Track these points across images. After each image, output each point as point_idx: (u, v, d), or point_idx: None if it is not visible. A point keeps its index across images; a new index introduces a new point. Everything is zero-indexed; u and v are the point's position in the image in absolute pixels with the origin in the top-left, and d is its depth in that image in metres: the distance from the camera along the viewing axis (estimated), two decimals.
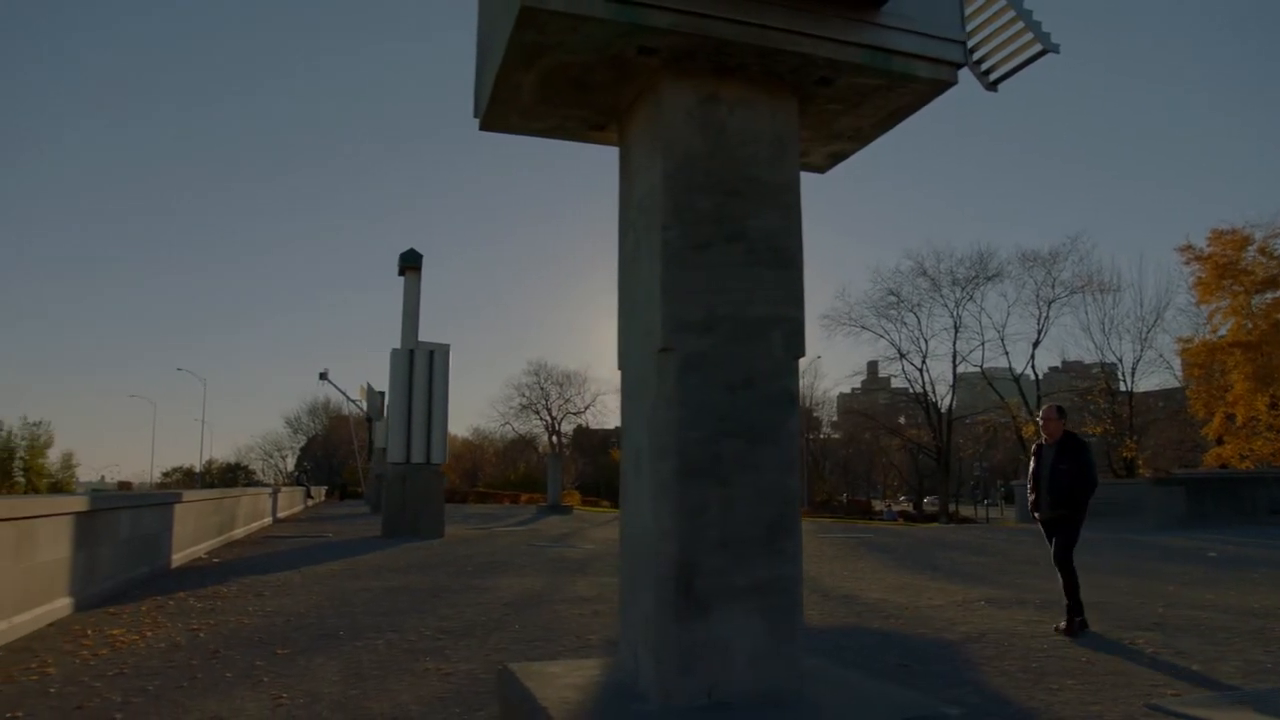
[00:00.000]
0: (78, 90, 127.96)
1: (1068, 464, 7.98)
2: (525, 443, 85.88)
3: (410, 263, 21.00)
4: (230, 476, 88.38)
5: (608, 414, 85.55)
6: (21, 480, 52.53)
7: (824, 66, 3.84)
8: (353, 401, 58.29)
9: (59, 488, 53.65)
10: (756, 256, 3.80)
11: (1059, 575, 7.95)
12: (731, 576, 3.57)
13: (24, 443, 54.31)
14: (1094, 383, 48.42)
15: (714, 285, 3.72)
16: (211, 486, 61.29)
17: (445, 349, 20.86)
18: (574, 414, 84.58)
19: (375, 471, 41.58)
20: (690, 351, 3.64)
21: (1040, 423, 8.49)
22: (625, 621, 3.99)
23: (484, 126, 4.36)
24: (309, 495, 46.05)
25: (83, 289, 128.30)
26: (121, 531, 10.41)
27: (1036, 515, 8.26)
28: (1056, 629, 7.80)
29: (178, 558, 13.61)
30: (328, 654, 6.82)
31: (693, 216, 3.73)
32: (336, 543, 18.89)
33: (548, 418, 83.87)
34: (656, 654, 3.55)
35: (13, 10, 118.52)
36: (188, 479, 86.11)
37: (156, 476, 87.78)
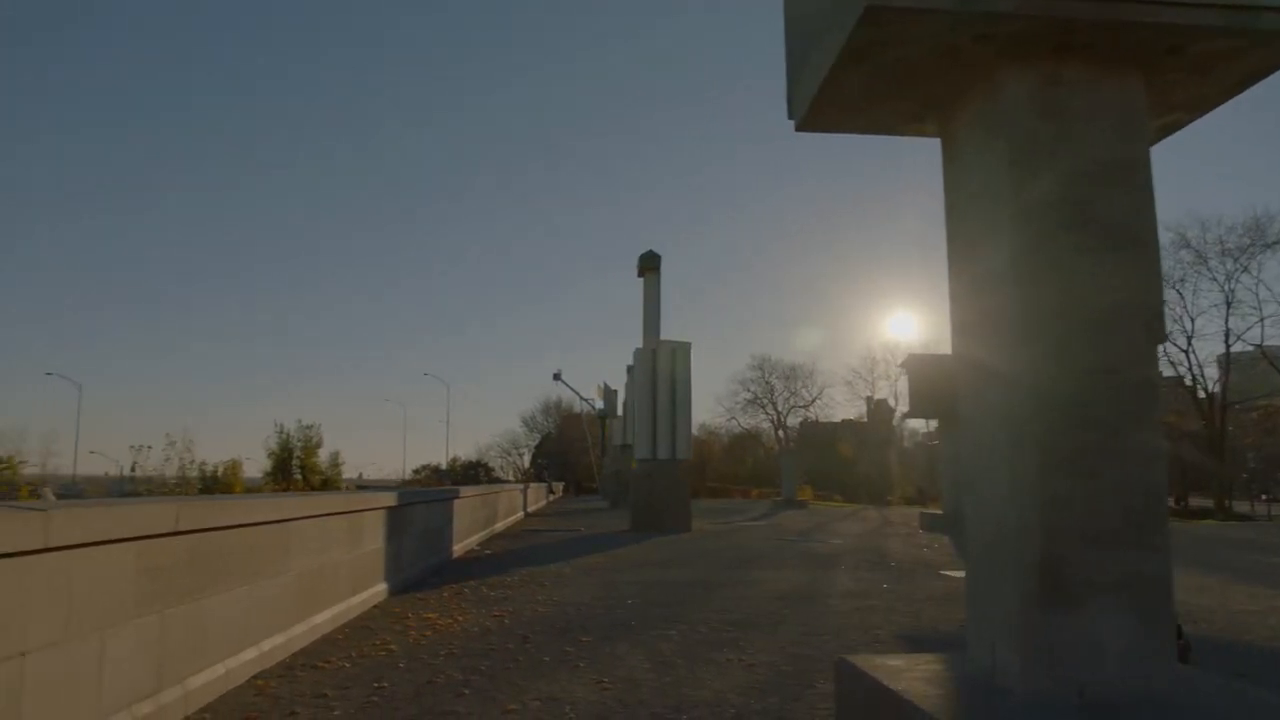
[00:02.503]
0: (325, 101, 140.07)
1: None
2: (751, 437, 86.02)
3: (649, 264, 21.59)
4: (471, 474, 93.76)
5: (835, 407, 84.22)
6: (299, 478, 57.71)
7: (1176, 35, 3.61)
8: (585, 400, 60.60)
9: (329, 484, 58.58)
10: (1108, 240, 3.63)
11: None
12: (1099, 571, 3.44)
13: (299, 443, 59.51)
14: None
15: (1066, 272, 3.59)
16: (456, 484, 65.39)
17: (686, 346, 21.29)
18: (800, 407, 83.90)
19: (611, 468, 42.97)
20: (1044, 342, 3.53)
21: None
22: (977, 616, 3.92)
23: (802, 127, 4.40)
24: (550, 491, 48.31)
25: (337, 298, 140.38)
26: (417, 525, 11.35)
27: None
28: None
29: (457, 549, 14.66)
30: (629, 643, 7.13)
31: (1039, 203, 3.61)
32: (590, 537, 19.69)
33: (773, 412, 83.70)
34: (1022, 649, 3.47)
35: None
36: (435, 476, 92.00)
37: (407, 474, 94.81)
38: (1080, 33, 3.57)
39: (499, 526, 21.16)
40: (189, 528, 4.83)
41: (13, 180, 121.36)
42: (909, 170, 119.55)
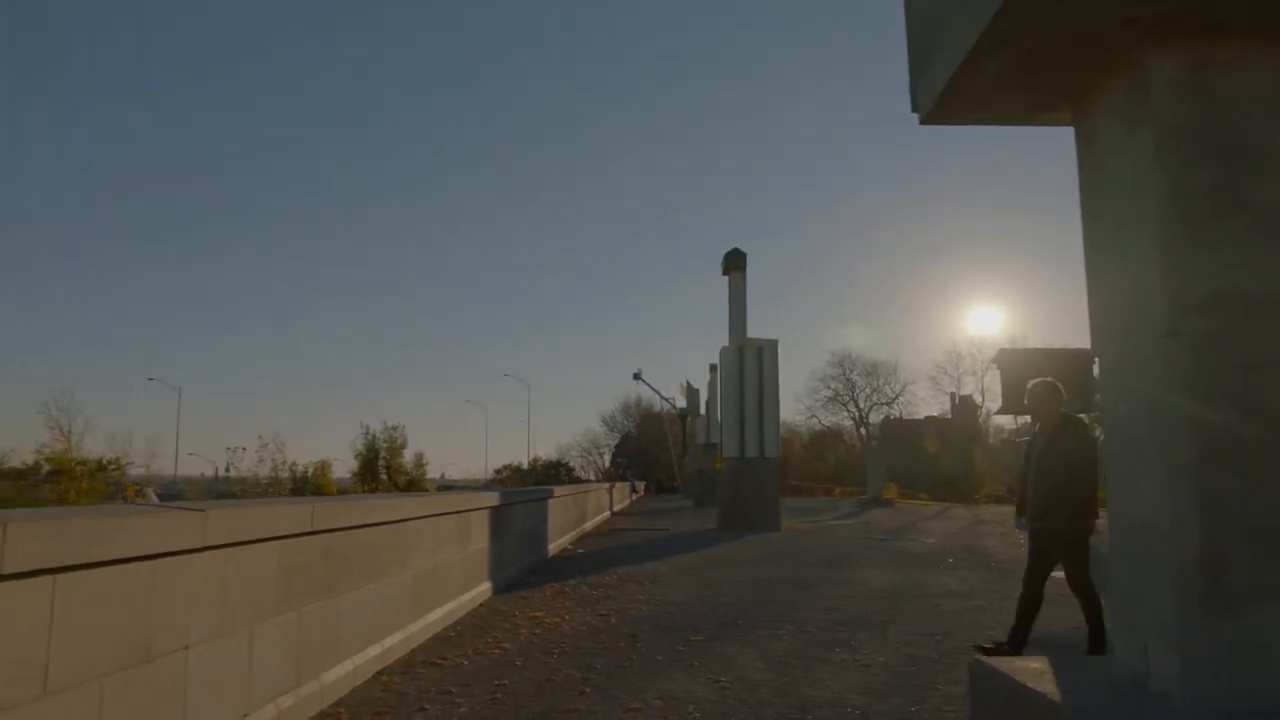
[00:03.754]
0: (407, 102, 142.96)
1: (1058, 458, 6.31)
2: (832, 435, 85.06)
3: (735, 262, 21.52)
4: (552, 473, 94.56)
5: (918, 404, 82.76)
6: (385, 478, 59.08)
7: None
8: (666, 399, 60.69)
9: (414, 485, 59.90)
10: (1264, 227, 3.49)
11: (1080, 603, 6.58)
12: (1263, 573, 3.31)
13: (385, 444, 60.83)
14: None
15: (1219, 262, 3.46)
16: (539, 484, 66.09)
17: (773, 344, 21.17)
18: (882, 404, 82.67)
19: (694, 466, 42.94)
20: (1199, 334, 3.41)
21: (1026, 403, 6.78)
22: (1126, 618, 3.81)
23: (928, 120, 4.34)
24: (634, 490, 48.54)
25: (420, 299, 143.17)
26: (517, 525, 11.51)
27: (1024, 525, 6.69)
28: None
29: (552, 548, 14.83)
30: (739, 642, 7.12)
31: (1189, 192, 3.49)
32: (679, 536, 19.70)
33: (854, 410, 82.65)
34: (1181, 652, 3.36)
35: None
36: (516, 476, 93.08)
37: (489, 474, 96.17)
38: (1231, 12, 3.45)
39: (588, 526, 21.33)
40: (322, 528, 4.99)
41: (112, 193, 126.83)
42: (992, 161, 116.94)
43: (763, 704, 5.24)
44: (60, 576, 2.92)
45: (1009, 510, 31.96)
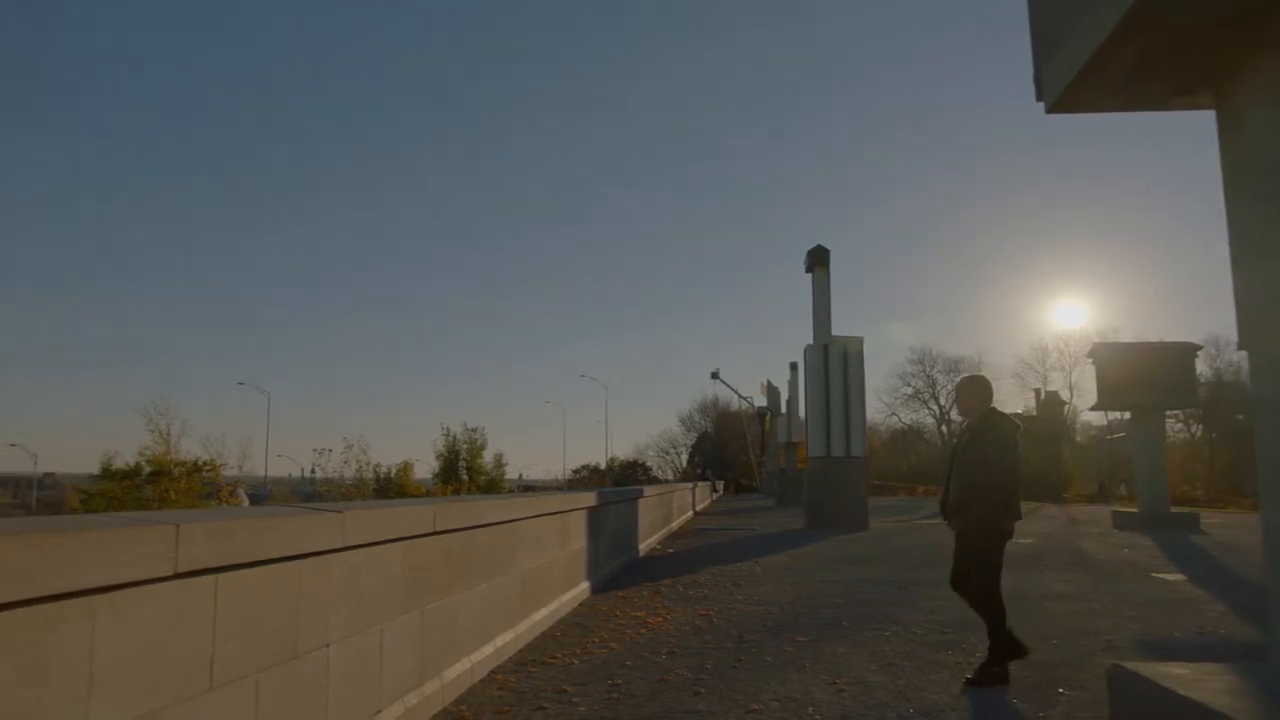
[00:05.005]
0: (489, 101, 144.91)
1: (976, 453, 5.90)
2: (913, 433, 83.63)
3: (819, 259, 21.27)
4: (630, 473, 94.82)
5: (1001, 401, 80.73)
6: (465, 478, 59.95)
7: None
8: (744, 399, 60.37)
9: (494, 485, 60.71)
10: None
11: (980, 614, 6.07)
12: None
13: (465, 445, 61.77)
14: None
15: None
16: (617, 484, 66.35)
17: (859, 342, 20.89)
18: None
19: (776, 465, 42.65)
20: None
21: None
22: None
23: (1055, 109, 4.22)
24: (714, 489, 48.43)
25: (498, 299, 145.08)
26: (611, 524, 11.56)
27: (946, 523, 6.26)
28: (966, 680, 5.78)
29: (642, 548, 14.87)
30: (847, 643, 7.03)
31: None
32: (766, 535, 19.57)
33: (935, 407, 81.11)
34: None
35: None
36: (594, 476, 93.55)
37: (567, 474, 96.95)
38: None
39: (674, 525, 21.34)
40: (443, 528, 5.07)
41: (202, 198, 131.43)
42: (1076, 149, 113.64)
43: (882, 706, 5.16)
44: (221, 576, 3.02)
45: (1103, 511, 30.99)
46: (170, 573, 2.73)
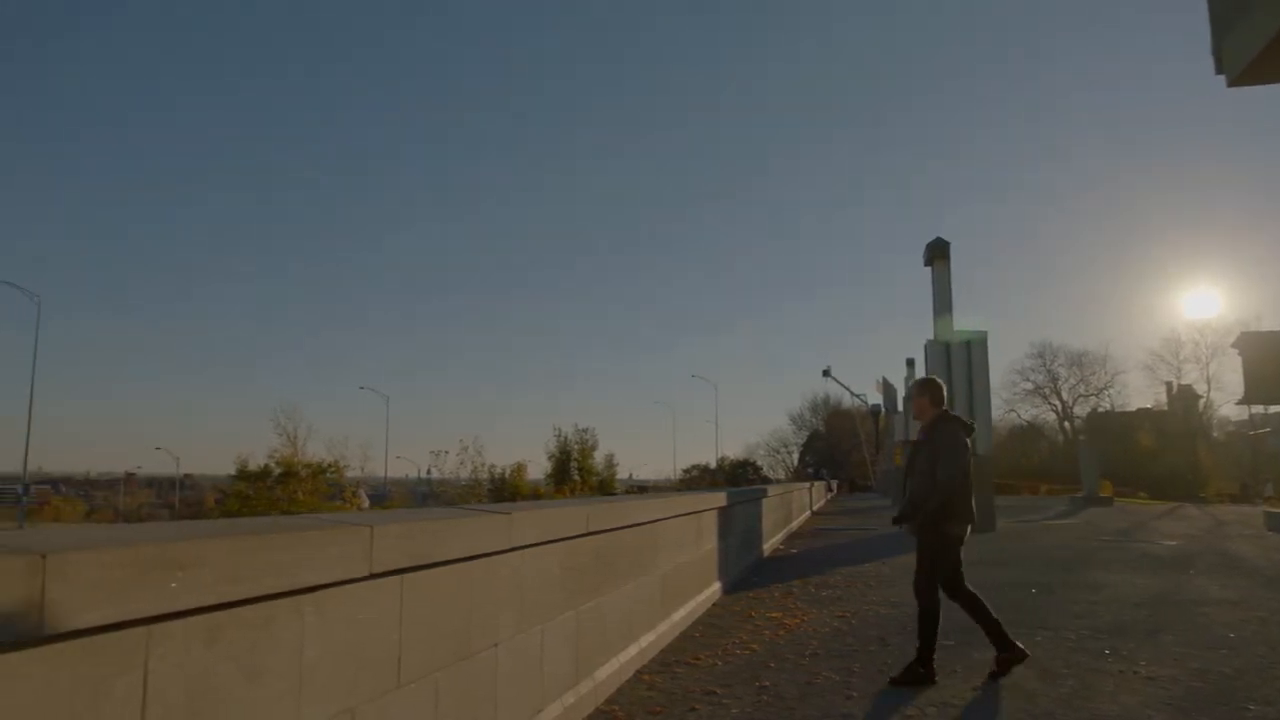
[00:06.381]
0: (594, 101, 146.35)
1: (929, 458, 5.88)
2: (1033, 430, 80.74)
3: (939, 251, 20.64)
4: (740, 472, 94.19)
5: (1130, 394, 77.34)
6: (576, 479, 60.73)
7: None
8: (856, 396, 59.34)
9: (605, 486, 61.32)
10: None
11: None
12: None
13: (576, 446, 62.63)
14: None
15: None
16: (731, 484, 66.06)
17: (982, 336, 20.18)
18: (1088, 396, 77.75)
19: (890, 464, 41.79)
20: None
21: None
22: None
23: (1238, 82, 3.99)
24: (829, 489, 47.79)
25: (610, 301, 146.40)
26: (739, 524, 11.50)
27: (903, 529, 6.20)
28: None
29: (766, 548, 14.75)
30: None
31: None
32: (887, 535, 19.08)
33: (1057, 403, 78.16)
34: None
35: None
36: (705, 475, 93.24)
37: (678, 474, 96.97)
38: None
39: (794, 525, 21.11)
40: (595, 529, 5.11)
41: (318, 211, 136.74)
42: (1206, 136, 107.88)
43: (1047, 715, 4.97)
44: (405, 576, 3.10)
45: (1251, 511, 29.22)
46: (366, 573, 2.81)
